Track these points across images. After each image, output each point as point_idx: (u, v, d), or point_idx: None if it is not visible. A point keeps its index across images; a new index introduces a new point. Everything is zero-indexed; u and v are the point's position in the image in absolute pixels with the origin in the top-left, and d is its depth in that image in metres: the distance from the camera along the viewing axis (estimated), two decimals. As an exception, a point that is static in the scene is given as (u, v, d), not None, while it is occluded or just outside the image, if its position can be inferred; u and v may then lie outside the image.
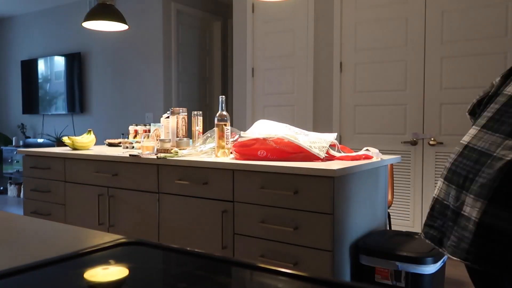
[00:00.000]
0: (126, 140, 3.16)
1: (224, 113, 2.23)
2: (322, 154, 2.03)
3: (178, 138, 2.61)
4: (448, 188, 1.21)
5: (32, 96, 6.47)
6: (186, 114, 2.72)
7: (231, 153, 2.25)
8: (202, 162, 2.12)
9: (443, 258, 1.98)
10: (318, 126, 3.91)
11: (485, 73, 3.18)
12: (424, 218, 3.42)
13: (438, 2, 3.34)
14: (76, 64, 5.86)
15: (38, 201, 2.91)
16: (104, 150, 2.82)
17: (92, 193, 2.59)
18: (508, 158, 1.09)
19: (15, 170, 6.40)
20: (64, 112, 6.08)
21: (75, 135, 5.95)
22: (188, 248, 0.70)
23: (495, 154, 1.13)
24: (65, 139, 2.86)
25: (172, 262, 0.70)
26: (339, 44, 3.78)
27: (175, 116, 2.67)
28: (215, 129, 2.24)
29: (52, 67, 6.19)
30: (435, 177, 3.37)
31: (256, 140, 2.10)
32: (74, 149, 2.85)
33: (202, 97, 5.63)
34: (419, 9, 3.42)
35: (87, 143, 2.87)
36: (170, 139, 2.56)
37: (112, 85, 5.55)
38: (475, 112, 1.41)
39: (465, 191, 1.14)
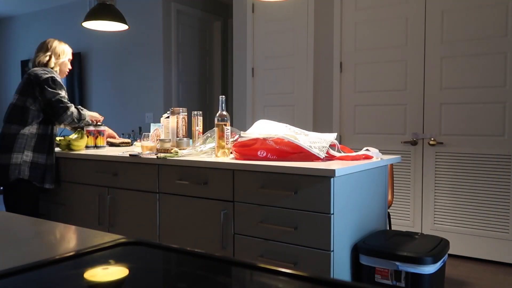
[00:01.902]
0: (125, 139, 3.15)
1: (224, 113, 2.23)
2: (322, 154, 2.03)
3: (178, 138, 2.60)
4: None
5: (32, 96, 6.47)
6: (186, 114, 2.71)
7: (231, 153, 2.25)
8: (202, 162, 2.12)
9: (443, 258, 1.98)
10: (318, 126, 3.91)
11: (485, 73, 3.18)
12: (424, 218, 3.43)
13: (438, 2, 3.34)
14: (76, 64, 5.85)
15: (38, 201, 2.91)
16: (103, 150, 2.82)
17: (92, 193, 2.59)
18: None
19: (15, 170, 6.39)
20: (64, 112, 6.07)
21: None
22: (188, 248, 0.70)
23: None
24: (59, 139, 2.84)
25: (172, 262, 0.70)
26: (339, 44, 3.78)
27: (175, 116, 2.67)
28: (215, 129, 2.24)
29: (52, 67, 6.19)
30: (435, 177, 3.38)
31: (256, 140, 2.10)
32: (70, 150, 2.83)
33: (202, 97, 5.63)
34: (419, 9, 3.42)
35: (83, 143, 2.85)
36: (170, 139, 2.56)
37: (112, 85, 5.55)
38: None
39: None
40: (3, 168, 2.50)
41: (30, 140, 2.55)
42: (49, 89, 2.57)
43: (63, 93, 2.61)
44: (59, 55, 2.75)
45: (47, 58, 2.71)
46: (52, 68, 2.71)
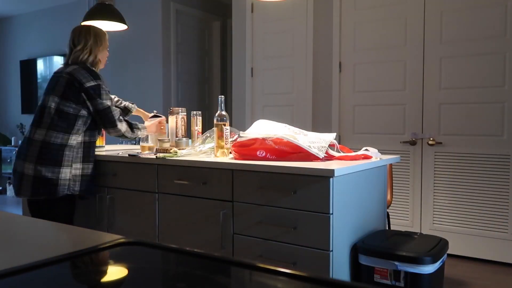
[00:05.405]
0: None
1: (223, 113, 2.23)
2: (321, 154, 2.03)
3: (177, 138, 2.61)
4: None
5: (31, 96, 6.47)
6: (185, 114, 2.71)
7: (230, 153, 2.26)
8: (201, 162, 2.12)
9: (442, 258, 1.99)
10: (317, 126, 3.91)
11: (484, 73, 3.19)
12: (423, 218, 3.43)
13: (437, 2, 3.34)
14: (75, 64, 5.85)
15: (37, 201, 2.90)
16: (102, 150, 2.82)
17: (91, 193, 2.59)
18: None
19: (14, 170, 6.39)
20: (63, 112, 6.07)
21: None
22: (187, 248, 0.70)
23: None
24: None
25: (171, 262, 0.70)
26: (338, 44, 3.78)
27: (174, 116, 2.67)
28: (214, 129, 2.24)
29: (51, 67, 6.19)
30: (434, 177, 3.38)
31: (255, 140, 2.10)
32: None
33: (202, 97, 5.63)
34: (418, 9, 3.42)
35: None
36: (169, 139, 2.56)
37: (111, 85, 5.53)
38: None
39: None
40: (50, 182, 2.25)
41: (77, 151, 2.33)
42: (96, 99, 2.30)
43: (109, 102, 2.35)
44: (98, 48, 2.43)
45: (87, 54, 2.39)
46: (93, 64, 2.41)
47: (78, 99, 2.30)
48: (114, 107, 2.39)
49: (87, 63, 2.39)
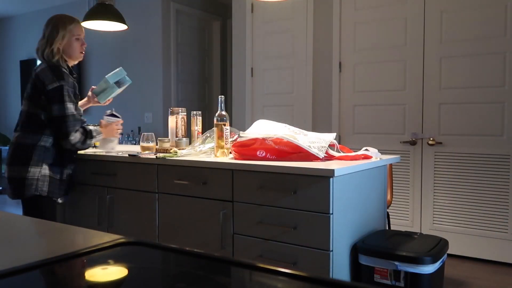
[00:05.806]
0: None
1: (223, 113, 2.23)
2: (321, 154, 2.03)
3: (177, 138, 2.61)
4: None
5: (31, 96, 6.46)
6: (185, 114, 2.71)
7: (230, 153, 2.26)
8: (201, 162, 2.12)
9: (442, 258, 1.99)
10: (317, 126, 3.91)
11: (484, 73, 3.19)
12: (423, 218, 3.43)
13: (437, 2, 3.34)
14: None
15: (37, 201, 2.90)
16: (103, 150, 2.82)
17: (91, 193, 2.59)
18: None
19: (14, 170, 6.38)
20: (63, 112, 6.06)
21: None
22: (187, 248, 0.70)
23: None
24: None
25: (171, 262, 0.70)
26: (338, 44, 3.78)
27: (174, 116, 2.67)
28: (214, 129, 2.24)
29: (51, 67, 6.18)
30: (434, 177, 3.38)
31: (255, 140, 2.11)
32: None
33: (202, 97, 5.63)
34: (418, 9, 3.42)
35: None
36: (169, 139, 2.56)
37: (111, 85, 5.55)
38: None
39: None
40: (20, 182, 2.19)
41: (50, 153, 2.25)
42: (55, 104, 2.19)
43: (69, 109, 2.20)
44: (55, 39, 2.30)
45: (44, 45, 2.31)
46: (52, 56, 2.31)
47: (40, 101, 2.23)
48: (73, 115, 2.22)
49: (50, 57, 2.30)
